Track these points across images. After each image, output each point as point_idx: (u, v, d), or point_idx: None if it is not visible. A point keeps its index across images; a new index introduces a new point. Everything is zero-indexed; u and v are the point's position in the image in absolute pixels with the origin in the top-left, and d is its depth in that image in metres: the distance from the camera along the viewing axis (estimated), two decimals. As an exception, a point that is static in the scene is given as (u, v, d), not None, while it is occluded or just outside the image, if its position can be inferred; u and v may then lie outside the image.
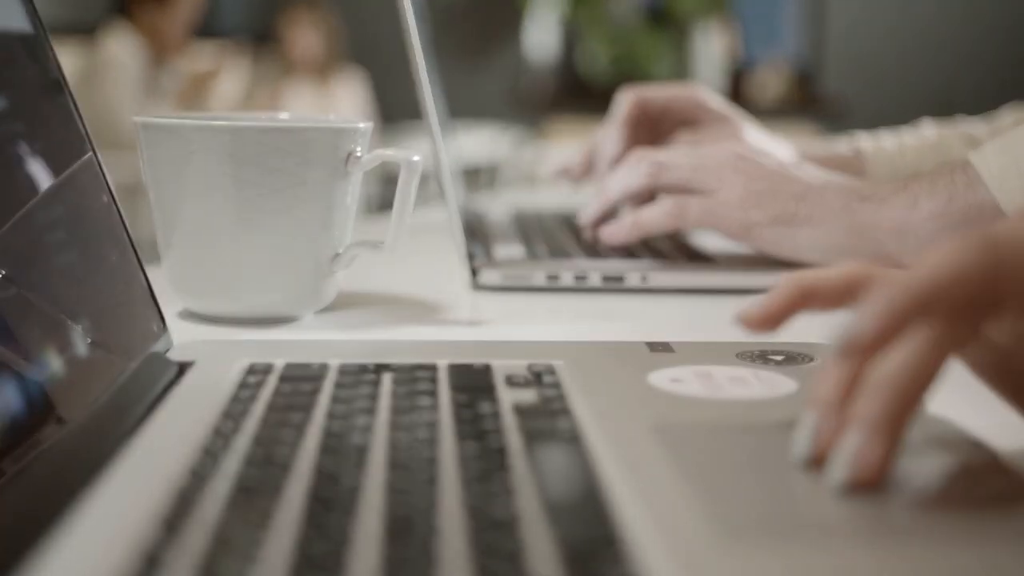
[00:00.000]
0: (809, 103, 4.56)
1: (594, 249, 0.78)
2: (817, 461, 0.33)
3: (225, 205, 0.56)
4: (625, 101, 0.92)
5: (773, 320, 0.37)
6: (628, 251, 0.76)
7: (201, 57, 3.18)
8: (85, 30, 3.12)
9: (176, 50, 3.07)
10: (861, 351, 0.31)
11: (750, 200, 0.70)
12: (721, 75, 4.50)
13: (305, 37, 3.67)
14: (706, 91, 0.93)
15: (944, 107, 1.41)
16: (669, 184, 0.74)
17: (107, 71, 2.83)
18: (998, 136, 0.68)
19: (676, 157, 0.74)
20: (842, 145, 0.92)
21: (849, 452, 0.31)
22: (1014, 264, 0.31)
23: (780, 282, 0.37)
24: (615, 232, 0.75)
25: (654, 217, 0.73)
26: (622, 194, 0.77)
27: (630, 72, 4.27)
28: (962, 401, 0.39)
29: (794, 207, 0.69)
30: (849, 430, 0.31)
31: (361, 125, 0.60)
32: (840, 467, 0.31)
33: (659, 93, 0.93)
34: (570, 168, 0.98)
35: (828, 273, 0.37)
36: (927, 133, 0.90)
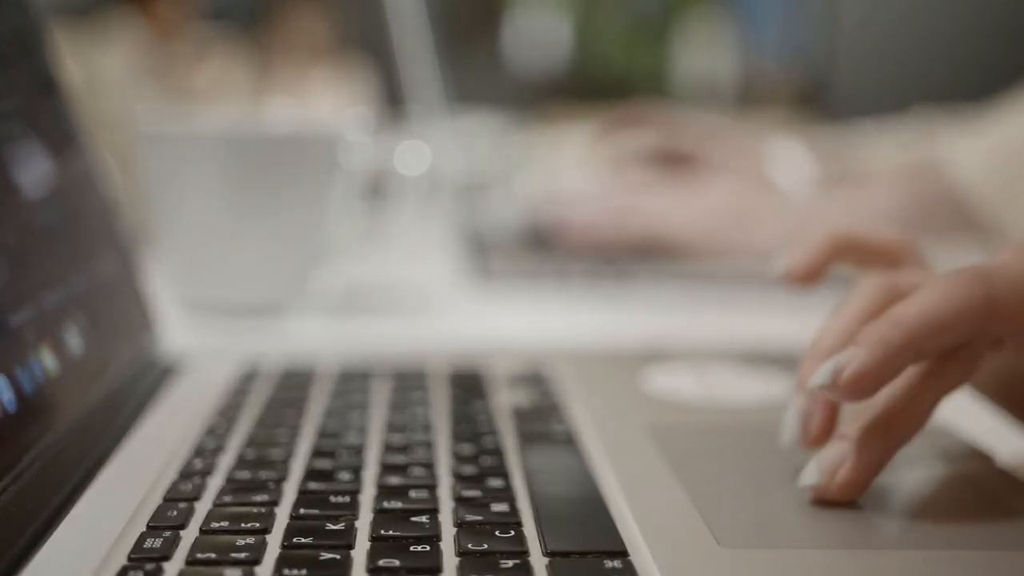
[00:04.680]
0: (817, 96, 4.54)
1: (593, 248, 0.78)
2: (804, 444, 0.33)
3: (221, 206, 0.58)
4: (624, 146, 0.91)
5: (812, 273, 0.36)
6: (625, 251, 0.77)
7: (198, 45, 3.16)
8: (79, 12, 3.09)
9: (178, 32, 3.06)
10: (853, 395, 0.30)
11: (702, 222, 0.73)
12: (726, 69, 4.48)
13: (309, 20, 3.65)
14: (695, 133, 0.92)
15: (954, 99, 1.41)
16: (633, 200, 0.76)
17: (99, 88, 2.82)
18: (969, 130, 0.68)
19: (641, 180, 0.77)
20: (850, 160, 0.92)
21: (828, 463, 0.30)
22: (1008, 300, 0.30)
23: (817, 236, 0.36)
24: (581, 233, 0.77)
25: (621, 236, 0.76)
26: (590, 200, 0.79)
27: (631, 66, 4.26)
28: (958, 406, 0.39)
29: (748, 224, 0.72)
30: (834, 444, 0.31)
31: (357, 128, 0.61)
32: (814, 474, 0.30)
33: (656, 143, 0.91)
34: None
35: (867, 232, 0.37)
36: (925, 150, 0.90)
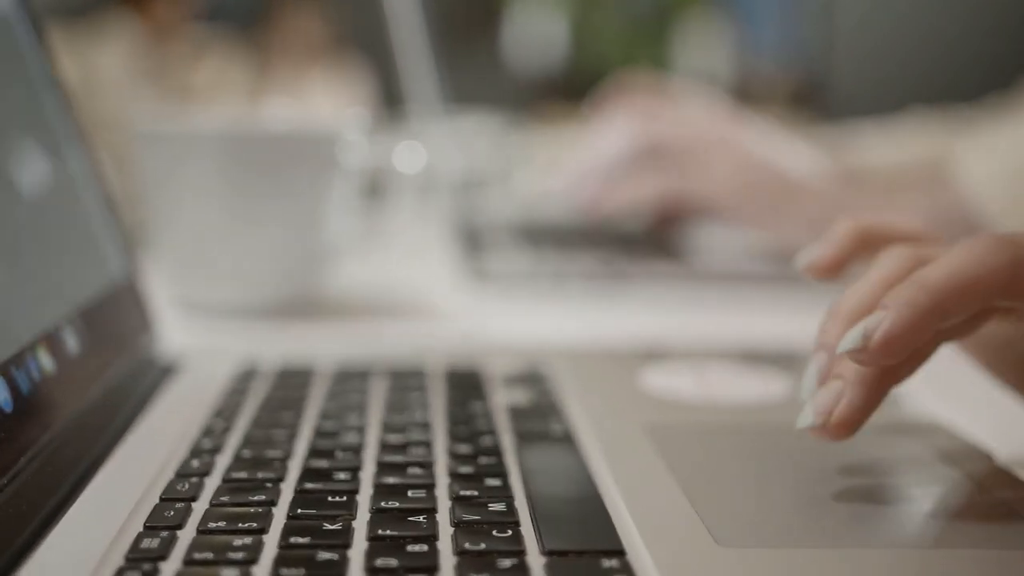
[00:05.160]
0: (814, 96, 4.54)
1: (589, 247, 0.78)
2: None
3: (218, 206, 0.58)
4: (634, 136, 0.88)
5: (837, 266, 0.36)
6: (623, 251, 0.77)
7: (196, 46, 3.16)
8: (75, 13, 3.08)
9: (175, 33, 3.05)
10: (883, 358, 0.30)
11: (741, 187, 0.72)
12: (723, 69, 4.49)
13: (306, 21, 3.64)
14: (706, 110, 0.91)
15: (950, 99, 1.41)
16: (664, 150, 0.75)
17: (95, 85, 2.81)
18: (982, 143, 0.68)
19: (673, 123, 0.76)
20: (846, 158, 0.92)
21: (823, 404, 0.31)
22: None
23: (839, 227, 0.36)
24: (602, 200, 0.77)
25: (645, 196, 0.75)
26: (612, 162, 0.78)
27: (628, 66, 4.26)
28: (958, 405, 0.39)
29: (777, 201, 0.71)
30: (829, 384, 0.31)
31: (353, 128, 0.60)
32: (809, 416, 0.31)
33: (665, 126, 0.88)
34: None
35: (891, 223, 0.37)
36: (922, 149, 0.89)
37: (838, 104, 4.37)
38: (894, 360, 0.30)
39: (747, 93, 4.35)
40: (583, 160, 0.83)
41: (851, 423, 0.31)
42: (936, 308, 0.29)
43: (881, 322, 0.29)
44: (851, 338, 0.30)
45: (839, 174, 0.85)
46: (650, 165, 0.76)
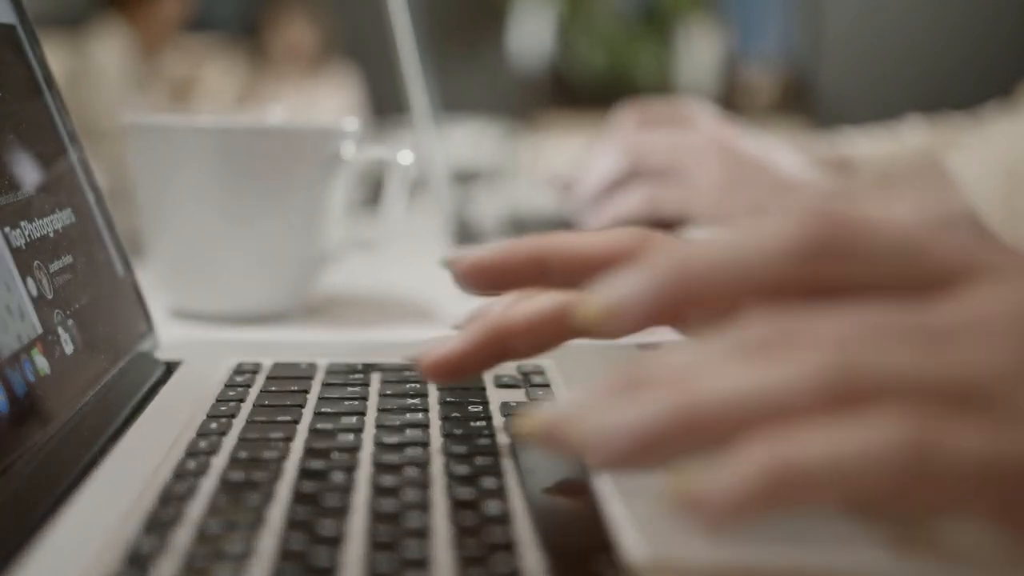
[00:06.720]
0: (803, 100, 4.55)
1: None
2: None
3: (213, 205, 0.57)
4: (626, 120, 0.91)
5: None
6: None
7: (187, 55, 3.16)
8: (71, 22, 3.08)
9: (166, 42, 3.05)
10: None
11: (724, 190, 0.72)
12: (713, 72, 4.50)
13: (297, 29, 3.65)
14: (701, 112, 0.92)
15: (940, 104, 1.41)
16: (646, 168, 0.76)
17: (92, 78, 2.81)
18: (974, 139, 0.68)
19: (654, 142, 0.76)
20: (839, 147, 0.92)
21: (431, 344, 0.35)
22: (848, 246, 0.23)
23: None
24: (591, 221, 0.77)
25: (629, 208, 0.75)
26: (602, 180, 0.78)
27: (619, 69, 4.27)
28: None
29: (768, 200, 0.71)
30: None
31: (349, 125, 0.60)
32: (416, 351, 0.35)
33: (659, 115, 0.91)
34: (568, 183, 0.98)
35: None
36: (914, 141, 0.89)
37: (827, 109, 4.38)
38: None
39: (736, 97, 4.36)
40: (580, 183, 0.84)
41: (445, 366, 0.34)
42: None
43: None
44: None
45: (832, 164, 0.85)
46: (631, 182, 0.77)
